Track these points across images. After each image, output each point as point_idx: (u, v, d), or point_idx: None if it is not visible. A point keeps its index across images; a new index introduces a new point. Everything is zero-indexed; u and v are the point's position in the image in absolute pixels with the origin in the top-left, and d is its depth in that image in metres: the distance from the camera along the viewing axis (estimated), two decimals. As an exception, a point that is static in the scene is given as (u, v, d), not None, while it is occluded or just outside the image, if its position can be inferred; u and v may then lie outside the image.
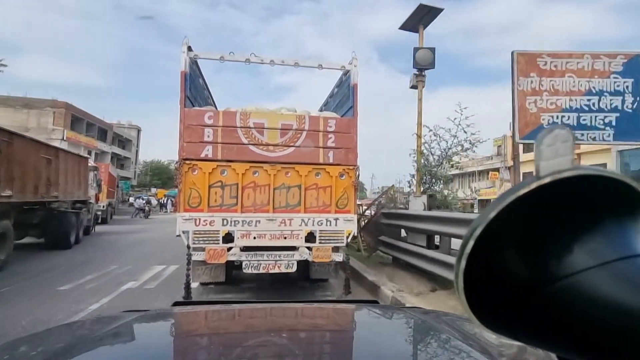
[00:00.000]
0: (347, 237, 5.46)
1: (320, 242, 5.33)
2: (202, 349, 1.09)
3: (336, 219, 5.40)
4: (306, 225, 5.32)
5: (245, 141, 5.20)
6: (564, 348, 0.31)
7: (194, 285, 5.49)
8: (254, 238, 5.21)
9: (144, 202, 29.71)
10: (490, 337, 0.32)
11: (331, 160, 5.41)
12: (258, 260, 5.22)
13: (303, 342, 1.17)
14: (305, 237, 5.32)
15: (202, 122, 5.12)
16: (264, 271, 5.27)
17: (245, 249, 5.21)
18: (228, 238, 5.16)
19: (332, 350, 1.12)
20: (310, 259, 5.34)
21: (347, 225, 5.44)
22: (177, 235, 5.11)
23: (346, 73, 6.17)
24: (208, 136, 5.11)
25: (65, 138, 34.26)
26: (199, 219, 5.08)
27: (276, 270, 5.28)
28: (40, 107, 34.57)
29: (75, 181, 12.12)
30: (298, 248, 5.31)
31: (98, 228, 16.26)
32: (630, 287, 0.27)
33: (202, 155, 5.10)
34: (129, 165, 53.89)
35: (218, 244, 5.10)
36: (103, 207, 19.53)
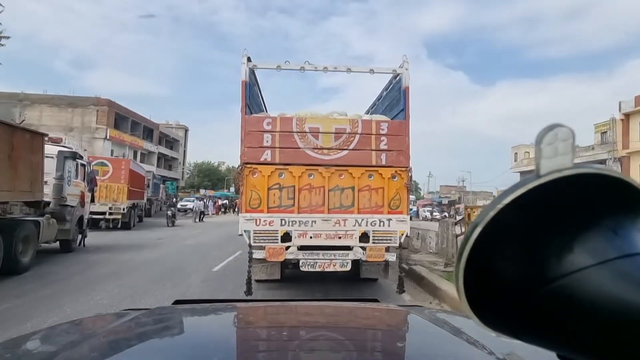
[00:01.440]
0: (400, 237, 5.57)
1: (373, 242, 5.49)
2: (202, 346, 1.07)
3: (389, 220, 5.53)
4: (360, 225, 5.49)
5: (301, 145, 5.46)
6: (564, 346, 0.31)
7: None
8: (310, 237, 5.45)
9: (203, 203, 27.92)
10: (491, 335, 0.32)
11: (383, 162, 5.54)
12: (314, 259, 5.46)
13: (304, 340, 1.16)
14: (359, 237, 5.50)
15: (261, 127, 5.44)
16: (319, 269, 5.50)
17: (302, 248, 5.46)
18: (286, 237, 5.44)
19: (332, 349, 1.11)
20: (364, 258, 5.51)
21: (400, 226, 5.56)
22: (240, 235, 5.46)
23: (396, 76, 6.28)
24: (267, 141, 5.42)
25: (108, 137, 33.43)
26: (259, 219, 5.39)
27: (331, 269, 5.50)
28: (84, 106, 33.62)
29: (19, 172, 7.69)
30: (352, 248, 5.49)
31: (111, 236, 14.14)
32: (631, 285, 0.27)
33: (262, 159, 5.41)
34: (177, 166, 52.71)
35: (277, 243, 5.39)
36: (124, 209, 17.05)
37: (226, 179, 60.22)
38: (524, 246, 0.31)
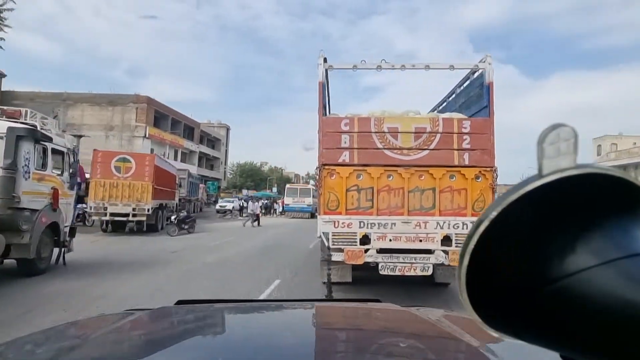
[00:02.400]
0: (485, 241, 5.27)
1: (457, 246, 5.24)
2: (204, 346, 1.08)
3: (473, 223, 5.25)
4: (442, 228, 5.27)
5: (380, 146, 5.33)
6: (567, 347, 0.31)
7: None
8: (390, 240, 5.30)
9: (263, 203, 26.60)
10: (493, 335, 0.30)
11: (466, 162, 5.29)
12: (394, 263, 5.31)
13: (306, 340, 1.16)
14: (441, 240, 5.27)
15: (339, 129, 5.38)
16: (399, 273, 5.34)
17: (381, 251, 5.33)
18: (365, 240, 5.33)
19: (335, 348, 1.11)
20: (446, 263, 5.27)
21: (485, 229, 5.26)
22: (318, 237, 5.42)
23: (474, 72, 6.00)
24: (345, 142, 5.35)
25: (147, 135, 32.17)
26: (338, 222, 5.32)
27: (412, 273, 5.32)
28: (124, 103, 32.70)
29: None
30: (434, 251, 5.28)
31: (122, 243, 12.15)
32: (635, 285, 0.27)
33: (340, 161, 5.34)
34: (218, 166, 51.49)
35: (356, 245, 5.30)
36: (149, 210, 14.88)
37: (268, 179, 60.74)
38: (527, 245, 0.31)
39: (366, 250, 5.31)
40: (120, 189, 14.87)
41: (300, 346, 1.09)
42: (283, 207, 33.10)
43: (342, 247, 5.32)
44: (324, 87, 5.56)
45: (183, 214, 16.56)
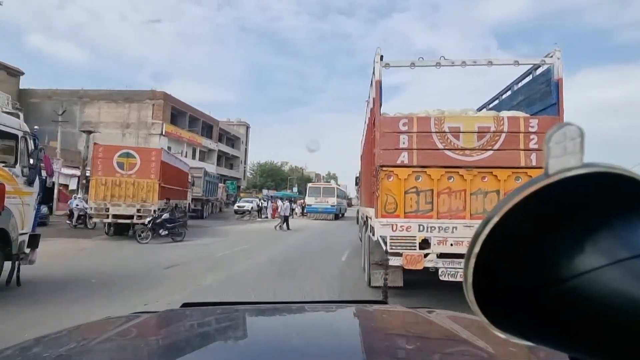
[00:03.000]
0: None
1: None
2: (211, 349, 1.09)
3: None
4: None
5: (440, 146, 5.12)
6: (576, 348, 0.30)
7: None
8: (451, 245, 5.09)
9: (289, 205, 20.85)
10: (500, 337, 0.29)
11: (534, 163, 5.00)
12: (455, 268, 5.09)
13: (313, 341, 1.16)
14: None
15: (397, 129, 5.20)
16: (460, 280, 5.09)
17: (441, 255, 5.12)
18: (424, 244, 5.13)
19: (343, 350, 1.10)
20: None
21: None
22: (375, 240, 5.26)
23: (537, 68, 5.68)
24: (403, 143, 5.16)
25: (164, 132, 31.05)
26: (396, 225, 5.15)
27: (474, 279, 5.09)
28: (140, 100, 31.70)
29: None
30: None
31: (125, 250, 10.55)
32: None
33: (398, 162, 5.16)
34: (238, 165, 49.92)
35: (415, 249, 5.11)
36: (154, 212, 12.88)
37: (289, 179, 60.57)
38: (535, 246, 0.30)
39: (425, 255, 5.11)
40: (124, 188, 13.20)
41: (309, 347, 1.09)
42: (303, 208, 31.17)
43: (401, 251, 5.15)
44: (381, 87, 5.38)
45: (165, 215, 12.83)
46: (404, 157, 5.17)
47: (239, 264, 8.87)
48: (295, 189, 54.71)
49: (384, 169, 5.18)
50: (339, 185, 38.52)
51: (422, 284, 6.02)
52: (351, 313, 1.60)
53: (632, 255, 0.28)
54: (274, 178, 58.40)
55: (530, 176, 4.98)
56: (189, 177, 19.59)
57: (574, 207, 0.30)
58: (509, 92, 6.91)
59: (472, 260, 0.30)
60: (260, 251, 11.09)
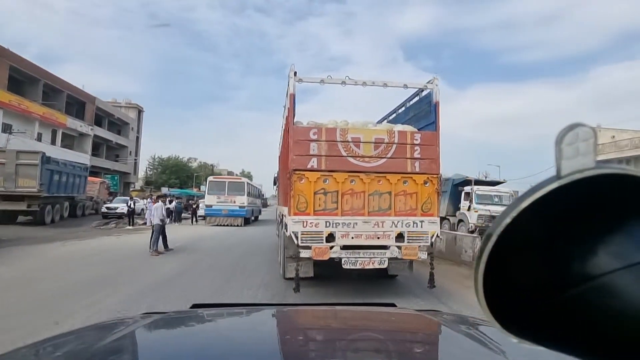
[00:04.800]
0: (432, 237, 6.17)
1: (408, 242, 6.06)
2: (221, 350, 1.09)
3: (422, 222, 6.12)
4: (396, 226, 6.06)
5: (344, 154, 5.97)
6: (589, 353, 0.30)
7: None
8: (352, 238, 5.97)
9: (175, 206, 19.60)
10: (512, 341, 0.31)
11: (417, 170, 6.12)
12: (355, 258, 5.98)
13: (320, 344, 1.18)
14: (395, 237, 6.06)
15: (308, 137, 5.92)
16: (360, 267, 6.03)
17: (344, 247, 5.97)
18: (330, 238, 5.94)
19: (350, 353, 1.13)
20: (400, 257, 6.08)
21: (432, 227, 6.16)
22: (289, 236, 5.92)
23: (422, 91, 6.89)
24: (313, 150, 5.91)
25: None
26: (306, 222, 5.87)
27: (371, 266, 6.04)
28: None
29: None
30: (389, 247, 6.05)
31: None
32: None
33: (309, 166, 5.89)
34: (126, 156, 42.70)
35: (322, 243, 5.88)
36: None
37: (195, 176, 53.07)
38: (546, 250, 0.30)
39: (331, 247, 5.92)
40: None
41: (317, 350, 1.12)
42: (195, 209, 23.65)
43: (310, 244, 5.88)
44: (294, 100, 6.05)
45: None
46: (313, 162, 5.91)
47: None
48: (203, 188, 49.65)
49: (297, 172, 5.87)
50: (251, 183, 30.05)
51: (329, 275, 6.87)
52: (361, 316, 1.60)
53: None
54: (179, 175, 51.68)
55: (414, 180, 6.11)
56: None
57: (587, 209, 0.29)
58: (403, 108, 8.12)
59: (483, 264, 0.30)
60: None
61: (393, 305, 1.77)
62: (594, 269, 0.28)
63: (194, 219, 23.41)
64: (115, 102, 43.62)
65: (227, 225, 20.83)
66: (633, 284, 0.27)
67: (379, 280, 7.07)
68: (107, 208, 23.18)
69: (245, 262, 9.39)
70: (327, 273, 6.70)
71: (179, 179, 50.84)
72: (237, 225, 21.01)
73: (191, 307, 1.61)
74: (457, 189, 16.72)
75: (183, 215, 25.27)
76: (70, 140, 31.03)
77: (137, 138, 46.37)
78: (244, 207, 21.64)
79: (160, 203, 11.29)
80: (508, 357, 0.92)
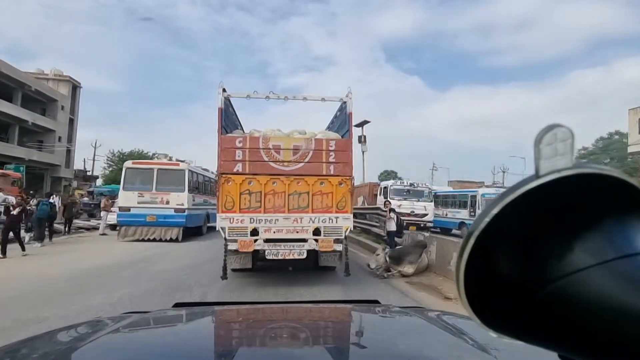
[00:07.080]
0: (345, 232, 7.05)
1: (324, 235, 6.94)
2: (203, 349, 1.10)
3: (337, 218, 7.00)
4: (313, 222, 6.93)
5: (266, 159, 6.86)
6: (565, 347, 0.31)
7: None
8: (274, 232, 6.85)
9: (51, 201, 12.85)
10: (492, 336, 0.33)
11: (332, 172, 7.01)
12: (277, 249, 6.86)
13: (304, 342, 1.18)
14: (313, 231, 6.94)
15: (234, 145, 6.82)
16: (281, 257, 6.91)
17: (267, 240, 6.85)
18: (254, 232, 6.81)
19: (334, 351, 1.13)
20: (317, 249, 6.95)
21: (345, 222, 7.04)
22: (217, 230, 6.80)
23: (345, 103, 7.80)
24: (239, 156, 6.80)
25: None
26: (233, 218, 6.75)
27: (291, 257, 6.91)
28: None
29: None
30: (307, 240, 6.93)
31: None
32: (630, 286, 0.27)
33: (235, 170, 6.78)
34: (53, 143, 33.85)
35: (247, 236, 6.76)
36: None
37: None
38: (524, 247, 0.31)
39: (255, 240, 6.80)
40: None
41: (299, 347, 1.12)
42: (102, 213, 16.43)
43: (236, 238, 6.76)
44: (222, 112, 6.96)
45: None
46: (239, 167, 6.80)
47: None
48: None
49: (224, 175, 6.76)
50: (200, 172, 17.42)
51: (268, 267, 7.75)
52: (343, 313, 1.63)
53: (620, 255, 0.28)
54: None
55: (330, 181, 7.00)
56: None
57: (564, 208, 0.31)
58: (335, 118, 9.04)
59: (464, 261, 0.31)
60: None
61: (377, 302, 1.79)
62: (571, 265, 0.29)
63: (67, 229, 15.25)
64: (39, 73, 34.31)
65: (154, 239, 13.50)
66: (606, 280, 0.28)
67: (319, 272, 7.91)
68: None
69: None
70: (266, 265, 7.57)
71: (141, 175, 43.82)
72: (171, 240, 13.58)
73: (173, 307, 1.65)
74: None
75: (57, 223, 14.61)
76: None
77: (72, 120, 35.69)
78: (183, 210, 13.90)
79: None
80: (489, 351, 0.94)
